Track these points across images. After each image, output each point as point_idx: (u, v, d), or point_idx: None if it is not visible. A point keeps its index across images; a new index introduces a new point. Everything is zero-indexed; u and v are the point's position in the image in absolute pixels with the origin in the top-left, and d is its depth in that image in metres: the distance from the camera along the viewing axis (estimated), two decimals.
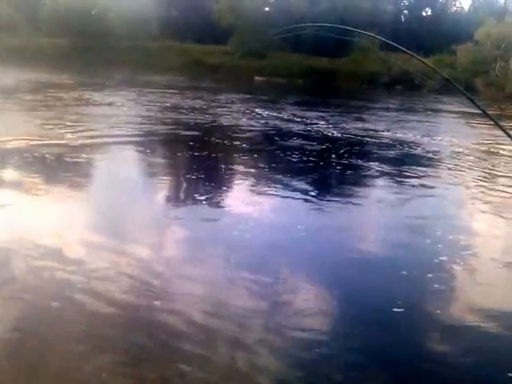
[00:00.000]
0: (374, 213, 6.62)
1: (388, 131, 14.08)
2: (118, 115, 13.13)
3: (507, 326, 3.74)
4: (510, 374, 3.20)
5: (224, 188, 7.25)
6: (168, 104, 16.85)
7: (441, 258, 4.84)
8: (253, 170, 8.35)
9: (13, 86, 18.38)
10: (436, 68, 3.26)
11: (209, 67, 39.69)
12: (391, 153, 10.88)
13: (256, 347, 3.19)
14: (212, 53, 43.11)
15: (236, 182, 7.72)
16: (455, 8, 53.85)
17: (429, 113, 21.74)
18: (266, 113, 16.41)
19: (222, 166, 8.59)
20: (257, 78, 38.98)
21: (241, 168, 8.52)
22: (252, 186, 7.49)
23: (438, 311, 3.83)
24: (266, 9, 46.82)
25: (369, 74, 39.14)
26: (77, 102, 15.38)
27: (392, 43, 3.51)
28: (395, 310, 3.78)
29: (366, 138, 12.48)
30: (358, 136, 12.69)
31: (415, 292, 4.22)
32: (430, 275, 4.41)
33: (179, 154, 9.55)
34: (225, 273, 4.26)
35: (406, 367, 3.19)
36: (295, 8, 44.21)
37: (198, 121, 13.38)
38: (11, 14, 44.38)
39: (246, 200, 6.66)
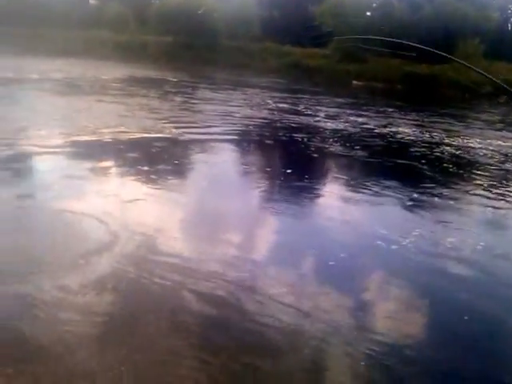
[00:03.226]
0: None
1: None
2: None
3: None
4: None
5: None
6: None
7: None
8: None
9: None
10: None
11: (307, 70, 40.29)
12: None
13: None
14: (311, 56, 43.47)
15: None
16: None
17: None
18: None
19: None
20: (355, 82, 38.92)
21: None
22: None
23: None
24: (368, 13, 46.60)
25: (471, 82, 37.70)
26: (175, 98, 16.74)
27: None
28: None
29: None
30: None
31: None
32: None
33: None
34: None
35: None
36: (397, 13, 43.70)
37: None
38: (120, 11, 47.06)
39: None
